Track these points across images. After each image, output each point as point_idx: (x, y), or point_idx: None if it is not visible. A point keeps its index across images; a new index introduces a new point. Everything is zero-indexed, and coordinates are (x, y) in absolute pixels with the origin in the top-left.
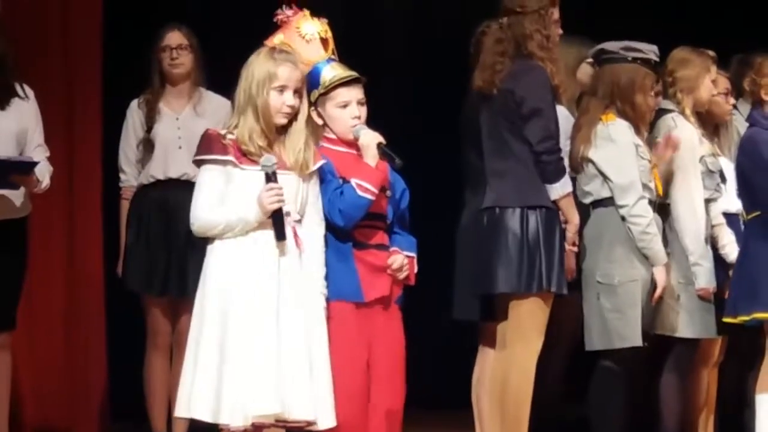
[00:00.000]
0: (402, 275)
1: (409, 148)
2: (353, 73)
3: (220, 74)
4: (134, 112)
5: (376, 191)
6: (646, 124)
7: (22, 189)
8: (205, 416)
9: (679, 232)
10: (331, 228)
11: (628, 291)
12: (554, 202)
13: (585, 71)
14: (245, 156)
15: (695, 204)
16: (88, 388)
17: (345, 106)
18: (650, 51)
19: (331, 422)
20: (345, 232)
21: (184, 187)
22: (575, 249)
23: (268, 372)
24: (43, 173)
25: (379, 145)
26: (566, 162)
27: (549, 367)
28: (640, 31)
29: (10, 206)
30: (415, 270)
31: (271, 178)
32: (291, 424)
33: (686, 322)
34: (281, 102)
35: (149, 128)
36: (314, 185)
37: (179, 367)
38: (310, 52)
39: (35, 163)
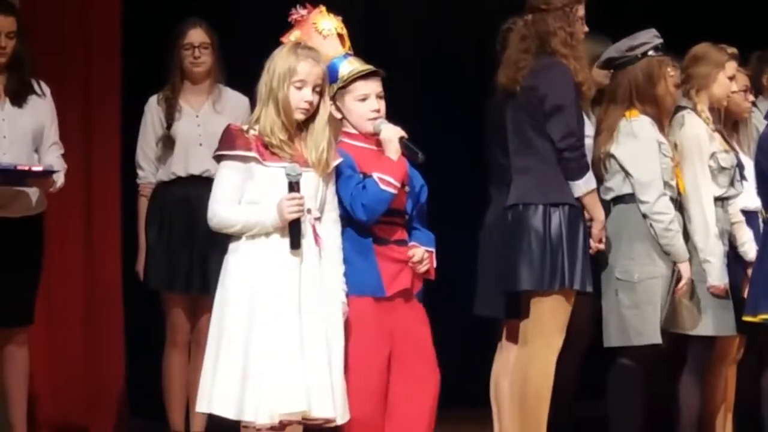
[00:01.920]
0: (422, 269)
1: (425, 144)
2: (371, 67)
3: (237, 70)
4: (153, 109)
5: (398, 185)
6: (669, 115)
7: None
8: (228, 413)
9: (689, 228)
10: (352, 224)
11: (648, 288)
12: (578, 199)
13: (599, 71)
14: (268, 151)
15: (703, 200)
16: (105, 385)
17: (364, 99)
18: (653, 37)
19: (347, 416)
20: (365, 228)
21: (206, 184)
22: (602, 246)
23: (294, 370)
24: (59, 174)
25: (401, 139)
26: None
27: (567, 364)
28: (658, 28)
29: (26, 204)
30: (435, 265)
31: (294, 187)
32: (312, 421)
33: (702, 320)
34: (299, 98)
35: (169, 125)
36: (332, 183)
37: (198, 364)
38: (328, 48)
39: (54, 172)
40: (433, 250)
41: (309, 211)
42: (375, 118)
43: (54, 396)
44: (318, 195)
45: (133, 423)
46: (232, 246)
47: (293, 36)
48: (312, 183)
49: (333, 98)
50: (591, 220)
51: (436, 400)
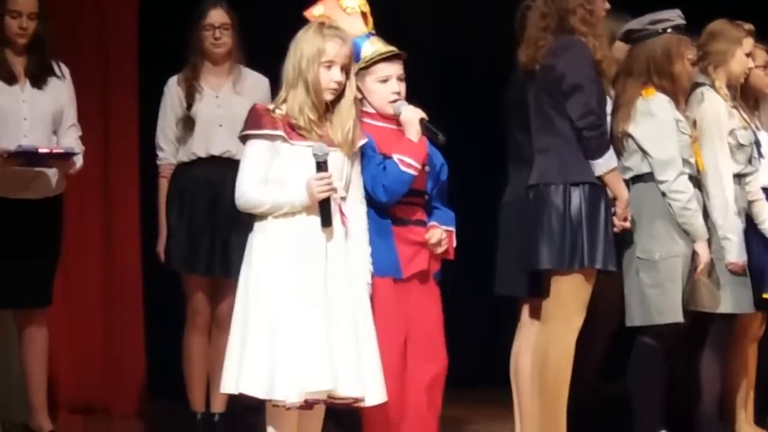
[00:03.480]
0: (440, 250)
1: (443, 122)
2: (394, 49)
3: (258, 50)
4: (173, 90)
5: (419, 166)
6: (686, 93)
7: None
8: (257, 392)
9: (707, 205)
10: (371, 204)
11: (669, 266)
12: (599, 178)
13: (619, 48)
14: (294, 131)
15: (722, 177)
16: (125, 366)
17: (385, 80)
18: (676, 16)
19: (382, 397)
20: (384, 209)
21: (227, 165)
22: (627, 224)
23: (320, 349)
24: (78, 155)
25: (421, 120)
26: None
27: (589, 342)
28: (679, 4)
29: (45, 185)
30: (454, 244)
31: (322, 166)
32: (339, 401)
33: (721, 298)
34: (328, 78)
35: (189, 106)
36: (357, 163)
37: (219, 346)
38: (351, 26)
39: (75, 154)
40: (453, 229)
41: (335, 190)
42: (395, 101)
43: (74, 377)
44: (344, 175)
45: (153, 404)
46: (258, 225)
47: (316, 11)
48: (338, 162)
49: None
50: (615, 199)
51: (440, 386)
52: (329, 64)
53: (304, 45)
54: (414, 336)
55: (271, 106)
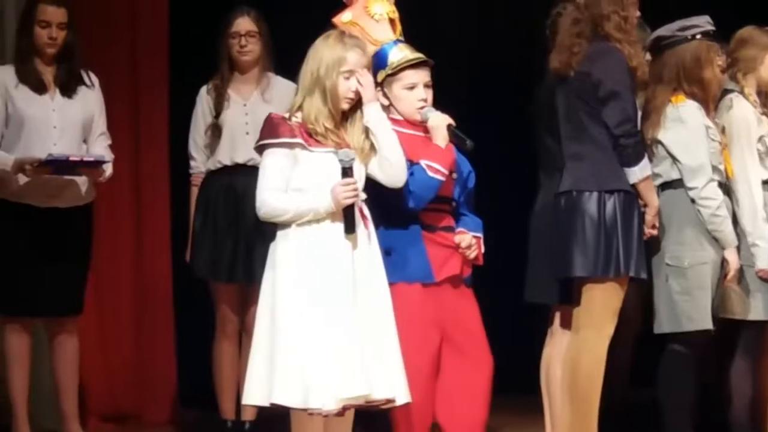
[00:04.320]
0: (471, 254)
1: (470, 128)
2: (422, 56)
3: (284, 55)
4: (203, 99)
5: (446, 172)
6: (716, 100)
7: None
8: (293, 402)
9: (736, 212)
10: (400, 211)
11: (698, 273)
12: (633, 185)
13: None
14: (312, 137)
15: (751, 184)
16: (156, 374)
17: (412, 87)
18: (705, 23)
19: (407, 397)
20: (413, 215)
21: (252, 173)
22: (655, 232)
23: (353, 354)
24: (107, 163)
25: (449, 126)
26: None
27: (620, 351)
28: (706, 11)
29: (76, 194)
30: (482, 250)
31: (348, 172)
32: (371, 403)
33: (751, 305)
34: (347, 88)
35: (217, 114)
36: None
37: (249, 354)
38: (379, 32)
39: (105, 162)
40: (481, 235)
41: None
42: (422, 108)
43: (105, 385)
44: (362, 179)
45: (184, 413)
46: (281, 233)
47: (345, 18)
48: (357, 168)
49: (381, 84)
50: (645, 205)
51: (490, 384)
52: (349, 75)
53: (324, 52)
54: (455, 342)
55: (286, 114)
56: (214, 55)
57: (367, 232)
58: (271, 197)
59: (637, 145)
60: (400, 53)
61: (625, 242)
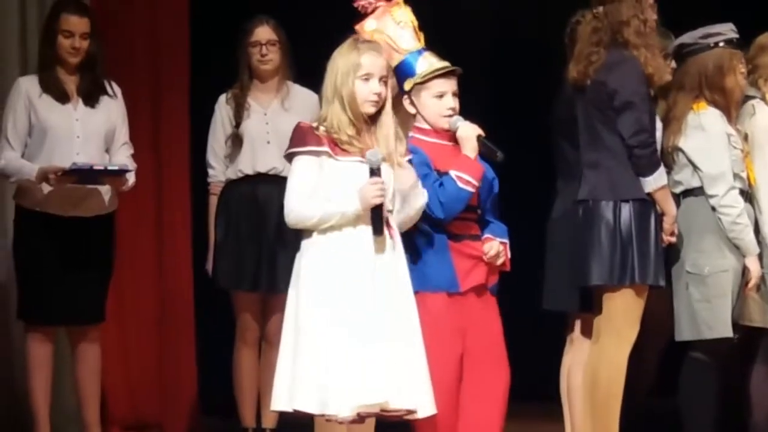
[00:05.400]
0: (499, 261)
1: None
2: (449, 64)
3: (306, 65)
4: (222, 108)
5: (476, 184)
6: (738, 107)
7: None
8: (310, 408)
9: (759, 219)
10: (426, 220)
11: (718, 281)
12: (649, 194)
13: None
14: (338, 146)
15: None
16: (178, 383)
17: (440, 96)
18: (729, 30)
19: (432, 410)
20: (439, 224)
21: (273, 182)
22: (673, 239)
23: (372, 362)
24: (130, 173)
25: (479, 137)
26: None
27: (641, 358)
28: (728, 17)
29: (98, 203)
30: (509, 256)
31: (375, 172)
32: (391, 413)
33: None
34: (368, 90)
35: (238, 123)
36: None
37: (269, 362)
38: (405, 41)
39: (128, 171)
40: (507, 241)
41: (383, 204)
42: (450, 116)
43: (127, 394)
44: (390, 188)
45: (205, 421)
46: (305, 243)
47: (368, 26)
48: (386, 174)
49: (408, 93)
50: (663, 214)
51: (506, 397)
52: (367, 77)
53: (339, 62)
54: (474, 352)
55: (314, 124)
56: (235, 64)
57: (392, 242)
58: (298, 203)
59: (652, 155)
60: (426, 62)
61: (641, 250)
